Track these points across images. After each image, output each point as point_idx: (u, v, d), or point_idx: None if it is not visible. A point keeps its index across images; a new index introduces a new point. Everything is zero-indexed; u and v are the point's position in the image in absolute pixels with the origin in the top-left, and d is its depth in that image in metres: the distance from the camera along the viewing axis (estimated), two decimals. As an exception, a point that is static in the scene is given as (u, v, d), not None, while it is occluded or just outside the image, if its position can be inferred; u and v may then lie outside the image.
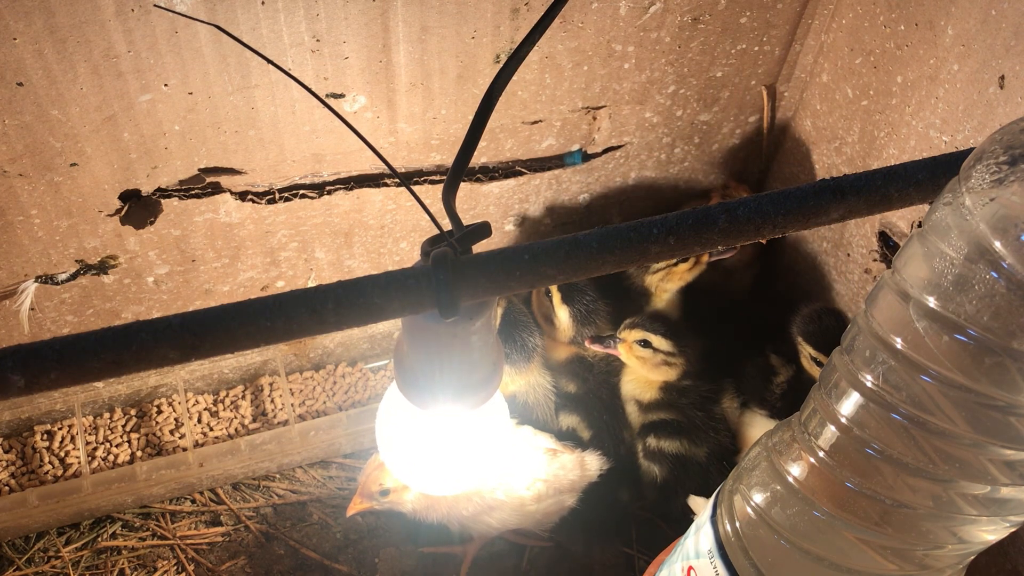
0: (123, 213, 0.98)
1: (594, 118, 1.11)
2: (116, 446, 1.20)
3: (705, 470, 1.13)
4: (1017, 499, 0.54)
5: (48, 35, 0.79)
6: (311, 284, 0.92)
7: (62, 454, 1.18)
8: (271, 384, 1.27)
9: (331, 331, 0.57)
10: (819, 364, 1.08)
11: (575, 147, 1.14)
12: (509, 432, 0.90)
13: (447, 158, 1.07)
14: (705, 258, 1.15)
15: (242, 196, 1.02)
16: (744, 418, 1.15)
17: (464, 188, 1.12)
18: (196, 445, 1.20)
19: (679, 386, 1.13)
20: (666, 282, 1.18)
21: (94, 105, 0.87)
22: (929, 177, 0.59)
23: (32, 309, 1.04)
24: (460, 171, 0.61)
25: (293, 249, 1.12)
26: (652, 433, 1.14)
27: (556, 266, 0.57)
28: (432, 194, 1.08)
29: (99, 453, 1.19)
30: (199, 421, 1.23)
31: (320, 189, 1.05)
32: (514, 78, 0.75)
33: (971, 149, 0.51)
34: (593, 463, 1.10)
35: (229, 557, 1.14)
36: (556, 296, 1.13)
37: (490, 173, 1.12)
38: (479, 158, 1.11)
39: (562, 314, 1.13)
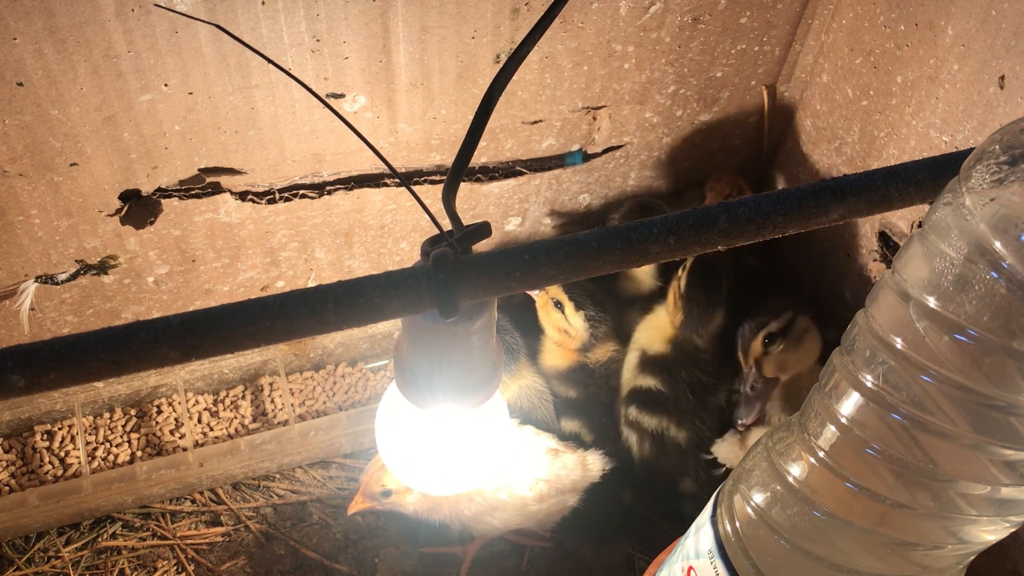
0: (123, 213, 0.99)
1: (594, 118, 1.11)
2: (116, 446, 1.20)
3: (684, 453, 1.12)
4: (1017, 499, 0.54)
5: (48, 35, 0.79)
6: (311, 284, 0.92)
7: (62, 454, 1.18)
8: (271, 384, 1.27)
9: (331, 331, 0.57)
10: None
11: (575, 147, 1.14)
12: (510, 432, 0.90)
13: (447, 158, 1.07)
14: None
15: (242, 196, 1.02)
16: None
17: (464, 188, 1.12)
18: (196, 445, 1.20)
19: (689, 349, 1.12)
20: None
21: (94, 105, 0.87)
22: (929, 177, 0.59)
23: (32, 309, 1.04)
24: (460, 171, 0.61)
25: (293, 249, 1.12)
26: (635, 403, 1.13)
27: (556, 266, 0.57)
28: (432, 194, 1.08)
29: (99, 453, 1.19)
30: (199, 421, 1.23)
31: (320, 189, 1.05)
32: (514, 78, 0.75)
33: (971, 149, 0.51)
34: (595, 463, 1.10)
35: (229, 557, 1.14)
36: (569, 306, 1.13)
37: (490, 173, 1.12)
38: (479, 158, 1.11)
39: (576, 321, 1.13)
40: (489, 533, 1.12)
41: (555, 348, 1.18)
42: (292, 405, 1.25)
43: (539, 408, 1.18)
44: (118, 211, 0.98)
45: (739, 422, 1.02)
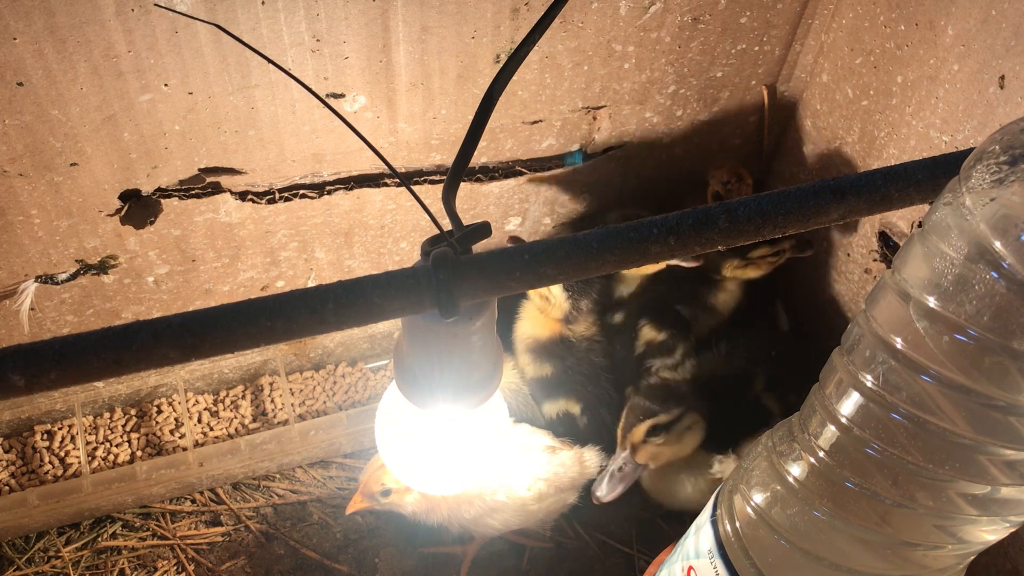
0: (123, 213, 0.99)
1: (594, 118, 1.11)
2: (116, 446, 1.20)
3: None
4: (1017, 499, 0.54)
5: (48, 35, 0.79)
6: (311, 284, 0.92)
7: (62, 454, 1.18)
8: (271, 384, 1.27)
9: (331, 331, 0.57)
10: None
11: (575, 147, 1.14)
12: (507, 431, 0.90)
13: (447, 158, 1.07)
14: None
15: (242, 196, 1.02)
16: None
17: (464, 188, 1.12)
18: (196, 445, 1.20)
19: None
20: (746, 271, 1.17)
21: (94, 105, 0.87)
22: (929, 177, 0.59)
23: (32, 309, 1.04)
24: (460, 171, 0.61)
25: (293, 249, 1.12)
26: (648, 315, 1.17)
27: (556, 266, 0.57)
28: (432, 194, 1.08)
29: (99, 453, 1.19)
30: (199, 421, 1.23)
31: (320, 189, 1.05)
32: (514, 78, 0.75)
33: (971, 149, 0.51)
34: (592, 459, 1.10)
35: (229, 557, 1.14)
36: (555, 289, 1.12)
37: (490, 173, 1.12)
38: (479, 158, 1.11)
39: (556, 288, 1.12)
40: (489, 534, 1.11)
41: (537, 316, 1.17)
42: (292, 405, 1.25)
43: (517, 408, 1.17)
44: (118, 211, 0.98)
45: (596, 495, 1.03)
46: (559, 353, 1.16)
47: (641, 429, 1.02)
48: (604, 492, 1.02)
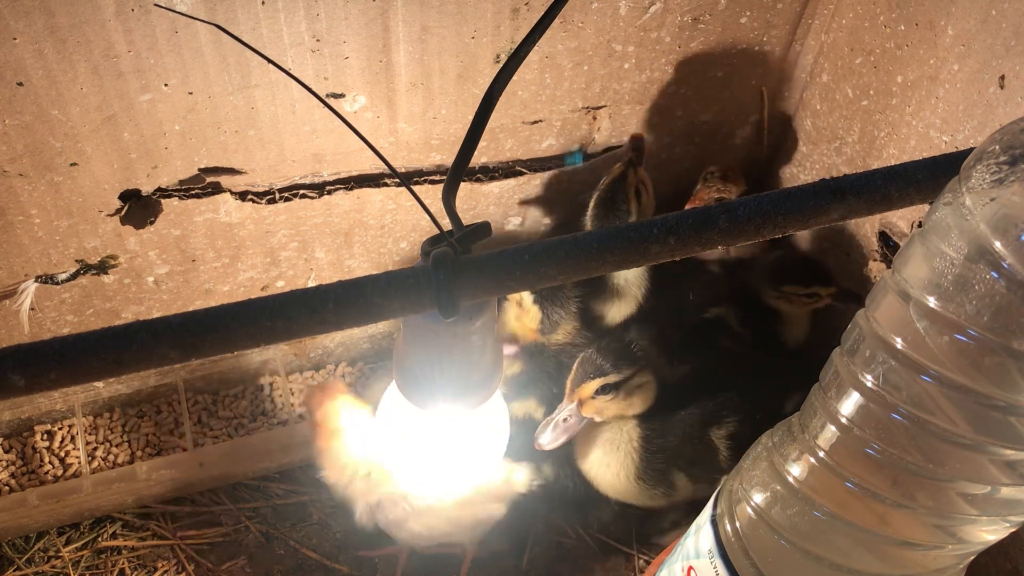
0: (123, 213, 0.99)
1: (594, 118, 1.11)
2: (116, 446, 1.20)
3: None
4: (1017, 499, 0.54)
5: (48, 35, 0.79)
6: (311, 284, 0.92)
7: (62, 454, 1.18)
8: (271, 384, 1.27)
9: (331, 331, 0.57)
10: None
11: (575, 147, 1.14)
12: (504, 433, 0.88)
13: (447, 158, 1.07)
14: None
15: (242, 196, 1.02)
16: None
17: (464, 188, 1.13)
18: (196, 445, 1.20)
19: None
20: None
21: (94, 105, 0.87)
22: (929, 177, 0.59)
23: (32, 309, 1.04)
24: (460, 171, 0.61)
25: (293, 249, 1.12)
26: None
27: (556, 266, 0.57)
28: (432, 194, 1.08)
29: (99, 453, 1.19)
30: (199, 421, 1.23)
31: (320, 189, 1.05)
32: (514, 78, 0.75)
33: (971, 149, 0.51)
34: (520, 476, 1.04)
35: (229, 557, 1.14)
36: (527, 299, 1.10)
37: (490, 173, 1.12)
38: (479, 158, 1.11)
39: (527, 298, 1.10)
40: (413, 542, 1.06)
41: (517, 323, 1.15)
42: (292, 405, 1.25)
43: None
44: (118, 211, 0.98)
45: (538, 441, 1.01)
46: (530, 352, 1.14)
47: (590, 387, 1.00)
48: (547, 440, 1.01)
